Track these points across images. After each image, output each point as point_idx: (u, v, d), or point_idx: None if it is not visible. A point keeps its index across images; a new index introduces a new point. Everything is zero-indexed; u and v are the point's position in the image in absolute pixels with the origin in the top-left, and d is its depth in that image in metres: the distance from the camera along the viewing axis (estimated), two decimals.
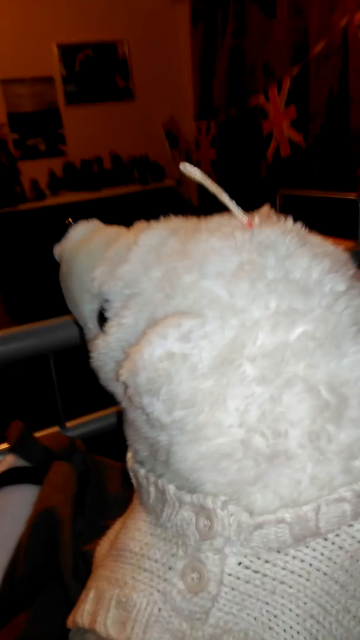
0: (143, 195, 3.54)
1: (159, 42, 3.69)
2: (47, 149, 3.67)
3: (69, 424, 0.78)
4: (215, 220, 0.44)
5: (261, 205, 0.47)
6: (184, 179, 3.62)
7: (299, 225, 0.43)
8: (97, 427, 0.78)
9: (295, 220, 0.44)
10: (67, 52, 3.59)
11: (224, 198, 0.42)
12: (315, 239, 0.43)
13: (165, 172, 3.69)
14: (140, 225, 0.47)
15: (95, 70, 3.68)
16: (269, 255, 0.40)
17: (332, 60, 2.49)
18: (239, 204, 0.45)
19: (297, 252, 0.40)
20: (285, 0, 2.73)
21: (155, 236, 0.44)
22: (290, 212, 0.45)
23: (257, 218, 0.43)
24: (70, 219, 0.51)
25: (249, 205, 0.46)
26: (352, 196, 1.04)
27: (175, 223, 0.46)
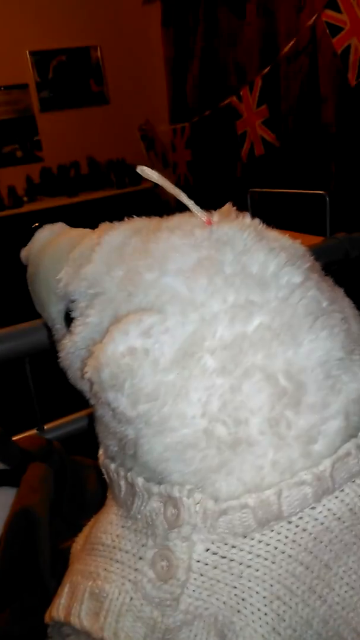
0: (121, 199, 3.55)
1: (131, 45, 3.71)
2: (23, 156, 3.66)
3: (46, 427, 0.78)
4: (176, 219, 0.45)
5: (237, 204, 0.48)
6: None
7: (256, 221, 0.44)
8: (75, 428, 0.79)
9: (265, 218, 0.46)
10: (41, 59, 3.59)
11: (183, 197, 0.43)
12: (273, 234, 0.44)
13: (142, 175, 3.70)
14: (104, 226, 0.48)
15: (69, 76, 3.69)
16: (227, 250, 0.41)
17: (301, 60, 2.53)
18: (215, 204, 0.46)
19: (254, 247, 0.42)
20: (254, 1, 2.76)
21: (118, 236, 0.45)
22: (262, 211, 0.46)
23: (216, 216, 0.44)
24: (37, 224, 0.52)
25: (224, 205, 0.47)
26: (320, 192, 1.06)
27: (138, 223, 0.47)
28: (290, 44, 2.46)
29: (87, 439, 0.79)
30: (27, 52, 3.52)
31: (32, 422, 0.78)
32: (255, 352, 0.38)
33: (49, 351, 0.73)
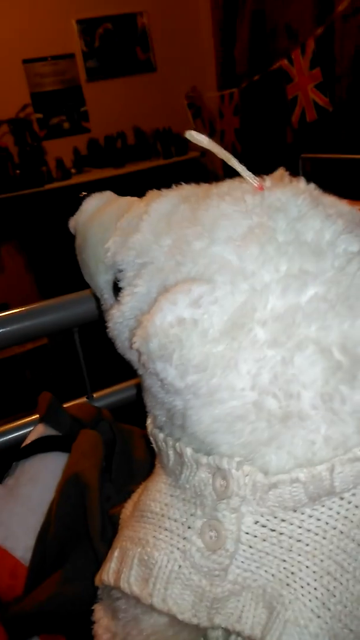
0: (167, 169, 3.51)
1: (178, 11, 3.62)
2: (70, 127, 3.67)
3: (95, 395, 0.80)
4: (226, 185, 0.44)
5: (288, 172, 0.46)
6: (207, 150, 3.57)
7: (312, 186, 0.42)
8: (122, 397, 0.80)
9: (319, 185, 0.44)
10: (87, 27, 3.55)
11: (234, 162, 0.42)
12: (329, 200, 0.42)
13: (189, 144, 3.65)
14: (152, 194, 0.47)
15: (115, 44, 3.64)
16: (279, 217, 0.39)
17: (358, 19, 2.40)
18: (264, 171, 0.45)
19: (309, 213, 0.40)
20: None
21: (166, 204, 0.44)
22: (316, 179, 0.44)
23: (268, 181, 0.42)
24: (84, 193, 0.51)
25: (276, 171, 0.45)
26: None
27: (186, 190, 0.46)
28: (345, 2, 2.33)
29: (135, 408, 0.80)
30: (74, 21, 3.49)
31: (81, 391, 0.79)
32: (309, 324, 0.37)
33: (98, 321, 0.74)
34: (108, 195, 0.51)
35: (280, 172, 0.46)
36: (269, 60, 2.88)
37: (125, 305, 0.43)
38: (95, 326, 0.77)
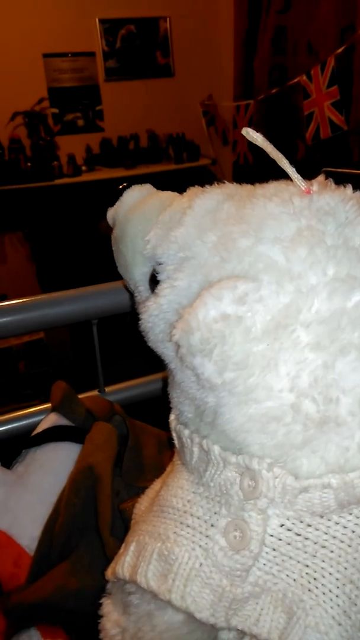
0: (178, 174, 3.52)
1: (201, 19, 3.64)
2: (85, 125, 3.67)
3: (107, 389, 0.79)
4: (272, 186, 0.44)
5: None
6: (219, 158, 3.58)
7: (358, 194, 0.43)
8: (134, 393, 0.79)
9: None
10: (110, 27, 3.56)
11: (284, 163, 0.42)
12: None
13: (201, 151, 3.66)
14: (194, 190, 0.47)
15: (137, 46, 3.65)
16: (328, 221, 0.39)
17: None
18: None
19: (358, 219, 0.40)
20: None
21: (210, 200, 0.44)
22: None
23: (315, 185, 0.42)
24: (125, 184, 0.51)
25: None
26: None
27: (230, 188, 0.46)
28: None
29: (145, 406, 0.80)
30: (97, 20, 3.50)
31: (92, 384, 0.79)
32: (353, 330, 0.37)
33: (115, 316, 0.74)
34: (148, 188, 0.51)
35: (323, 177, 0.46)
36: (287, 75, 2.90)
37: (164, 298, 0.43)
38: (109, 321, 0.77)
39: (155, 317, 0.44)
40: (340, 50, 2.48)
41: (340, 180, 0.46)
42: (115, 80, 3.65)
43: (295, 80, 2.77)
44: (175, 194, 0.49)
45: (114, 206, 0.51)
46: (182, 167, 3.60)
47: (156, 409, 0.61)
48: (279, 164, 0.42)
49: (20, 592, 0.55)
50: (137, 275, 0.48)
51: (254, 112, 3.26)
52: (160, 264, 0.45)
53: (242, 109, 3.36)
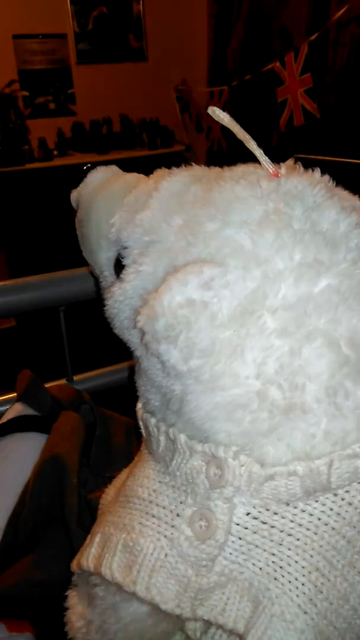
0: (151, 160, 3.48)
1: (175, 1, 3.58)
2: (56, 108, 3.60)
3: (76, 378, 0.78)
4: (240, 169, 0.43)
5: None
6: (193, 144, 3.55)
7: (326, 177, 0.42)
8: (103, 382, 0.78)
9: None
10: (81, 9, 3.48)
11: (252, 145, 0.41)
12: (344, 193, 0.42)
13: (175, 137, 3.63)
14: (160, 172, 0.46)
15: (109, 29, 3.58)
16: (296, 205, 0.38)
17: (352, 28, 2.42)
18: None
19: (325, 203, 0.39)
20: None
21: (177, 183, 0.43)
22: None
23: (283, 168, 0.42)
24: (89, 164, 0.49)
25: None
26: None
27: (197, 171, 0.45)
28: (341, 11, 2.35)
29: (113, 394, 0.78)
30: (68, 1, 3.41)
31: (61, 373, 0.77)
32: (320, 316, 0.36)
33: (83, 302, 0.72)
34: (114, 169, 0.50)
35: (291, 161, 0.45)
36: (261, 61, 2.88)
37: (129, 284, 0.41)
38: (77, 308, 0.76)
39: (120, 303, 0.43)
40: (313, 37, 2.48)
41: (311, 166, 0.45)
42: (87, 63, 3.59)
43: (269, 66, 2.76)
44: (142, 175, 0.48)
45: (78, 188, 0.49)
46: (156, 153, 3.56)
47: (126, 397, 0.60)
48: (247, 146, 0.41)
49: None
50: (102, 260, 0.47)
51: (228, 98, 3.24)
52: (125, 248, 0.44)
53: (216, 94, 3.33)
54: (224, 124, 0.41)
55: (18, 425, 0.60)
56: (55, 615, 0.47)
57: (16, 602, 0.53)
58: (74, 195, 0.50)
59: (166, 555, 0.39)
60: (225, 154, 3.23)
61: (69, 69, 3.56)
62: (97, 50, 3.60)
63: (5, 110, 3.28)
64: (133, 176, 0.48)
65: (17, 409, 0.62)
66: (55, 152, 3.44)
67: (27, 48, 3.43)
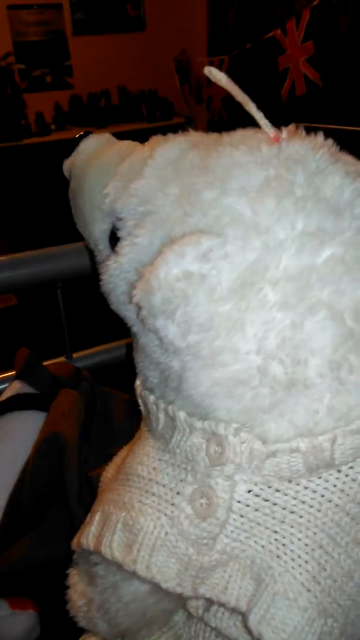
0: (151, 133, 3.38)
1: None
2: (53, 81, 3.52)
3: (75, 355, 0.76)
4: (239, 133, 0.41)
5: None
6: (193, 116, 3.49)
7: (330, 141, 0.40)
8: (102, 359, 0.77)
9: None
10: None
11: (251, 107, 0.39)
12: (348, 158, 0.40)
13: (175, 109, 3.56)
14: (156, 139, 0.44)
15: None
16: (298, 170, 0.37)
17: None
18: None
19: (329, 169, 0.37)
20: None
21: (173, 149, 0.41)
22: None
23: (284, 132, 0.39)
24: (81, 132, 0.47)
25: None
26: None
27: (194, 136, 0.43)
28: None
29: (114, 371, 0.77)
30: None
31: (59, 350, 0.76)
32: (323, 287, 0.35)
33: (81, 278, 0.70)
34: (107, 137, 0.48)
35: (293, 126, 0.43)
36: (262, 29, 2.80)
37: (124, 257, 0.40)
38: (75, 285, 0.74)
39: (116, 277, 0.41)
40: (316, 2, 2.40)
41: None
42: (84, 34, 3.49)
43: (270, 34, 2.68)
44: (136, 143, 0.46)
45: (70, 157, 0.47)
46: (155, 126, 3.49)
47: (126, 374, 0.59)
48: (246, 109, 0.39)
49: None
50: (96, 233, 0.45)
51: (228, 68, 3.16)
52: (120, 219, 0.42)
53: (216, 64, 3.25)
54: (221, 84, 0.38)
55: (17, 403, 0.59)
56: (57, 594, 0.47)
57: (18, 580, 0.53)
58: (67, 164, 0.48)
59: (166, 533, 0.38)
60: (226, 125, 3.17)
61: (65, 40, 3.47)
62: (94, 20, 3.50)
63: (1, 84, 3.20)
64: (127, 144, 0.46)
65: (16, 387, 0.61)
66: (52, 127, 3.38)
67: (22, 19, 3.34)
